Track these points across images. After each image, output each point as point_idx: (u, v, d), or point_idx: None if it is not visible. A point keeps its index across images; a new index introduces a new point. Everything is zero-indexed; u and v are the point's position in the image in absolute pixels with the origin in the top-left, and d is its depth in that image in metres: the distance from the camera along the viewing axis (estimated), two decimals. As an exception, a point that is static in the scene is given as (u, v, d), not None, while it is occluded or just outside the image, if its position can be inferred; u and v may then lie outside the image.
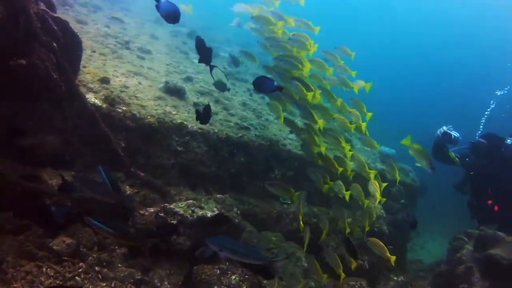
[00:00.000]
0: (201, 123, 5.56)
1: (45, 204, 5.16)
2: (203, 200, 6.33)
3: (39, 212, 5.07)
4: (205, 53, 4.84)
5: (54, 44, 5.43)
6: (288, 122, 7.12)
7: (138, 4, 16.82)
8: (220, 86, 6.78)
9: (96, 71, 7.34)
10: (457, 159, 7.94)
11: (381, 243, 5.57)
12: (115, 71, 7.92)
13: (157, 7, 4.18)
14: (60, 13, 10.42)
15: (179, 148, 6.86)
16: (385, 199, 6.34)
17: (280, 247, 6.63)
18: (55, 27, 5.20)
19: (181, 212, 5.76)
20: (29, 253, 4.60)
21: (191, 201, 6.07)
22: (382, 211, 8.16)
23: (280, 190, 6.12)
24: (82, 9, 11.92)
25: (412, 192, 10.08)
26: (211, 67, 5.16)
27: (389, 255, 5.52)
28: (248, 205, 7.12)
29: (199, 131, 7.04)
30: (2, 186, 4.88)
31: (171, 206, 5.82)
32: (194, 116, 7.27)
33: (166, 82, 8.04)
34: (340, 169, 6.59)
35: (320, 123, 6.61)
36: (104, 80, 7.00)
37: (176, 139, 6.85)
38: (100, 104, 6.28)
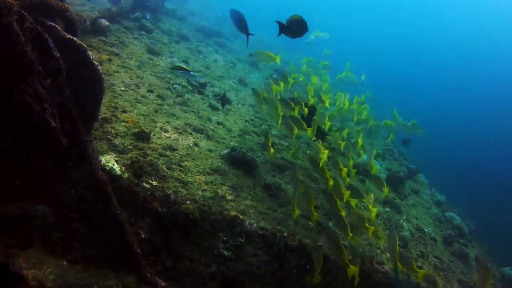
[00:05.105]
0: None
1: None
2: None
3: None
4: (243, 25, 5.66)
5: (62, 78, 3.86)
6: None
7: (237, 41, 15.59)
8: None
9: (139, 120, 5.71)
10: None
11: None
12: (167, 122, 6.21)
13: None
14: (133, 39, 9.36)
15: (225, 253, 5.10)
16: None
17: None
18: (56, 54, 3.55)
19: None
20: None
21: None
22: None
23: None
24: (163, 36, 10.58)
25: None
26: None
27: None
28: None
29: (260, 232, 5.16)
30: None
31: None
32: (259, 204, 5.47)
33: (233, 149, 6.19)
34: None
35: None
36: (142, 135, 5.31)
37: (224, 239, 5.10)
38: (119, 172, 4.60)
